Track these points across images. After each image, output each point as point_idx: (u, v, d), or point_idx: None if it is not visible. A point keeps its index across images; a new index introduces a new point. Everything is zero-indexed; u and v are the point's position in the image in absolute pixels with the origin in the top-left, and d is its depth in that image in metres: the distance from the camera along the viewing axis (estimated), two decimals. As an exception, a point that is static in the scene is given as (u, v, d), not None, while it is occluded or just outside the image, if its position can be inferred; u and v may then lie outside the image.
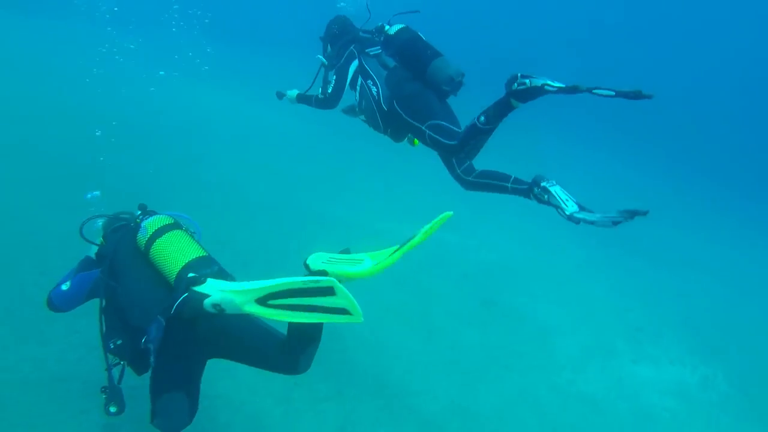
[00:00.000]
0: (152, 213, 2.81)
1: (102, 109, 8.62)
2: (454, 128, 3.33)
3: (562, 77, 2.65)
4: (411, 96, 3.49)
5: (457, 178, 3.40)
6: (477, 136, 3.01)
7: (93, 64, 9.93)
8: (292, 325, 2.32)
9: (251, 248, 6.35)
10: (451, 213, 2.22)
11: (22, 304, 4.36)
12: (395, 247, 2.22)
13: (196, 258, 2.38)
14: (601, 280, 7.92)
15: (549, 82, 2.56)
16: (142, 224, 2.60)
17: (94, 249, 2.90)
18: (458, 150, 3.20)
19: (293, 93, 4.20)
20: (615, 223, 2.43)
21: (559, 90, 2.55)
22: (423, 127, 3.39)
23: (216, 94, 12.35)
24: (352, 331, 5.33)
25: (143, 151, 8.03)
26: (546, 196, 2.78)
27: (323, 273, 2.11)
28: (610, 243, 8.80)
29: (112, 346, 2.44)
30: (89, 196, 3.56)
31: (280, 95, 4.31)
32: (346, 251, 2.32)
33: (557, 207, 2.72)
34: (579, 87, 2.47)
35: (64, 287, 2.76)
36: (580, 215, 2.59)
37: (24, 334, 4.16)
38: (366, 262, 2.16)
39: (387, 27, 3.76)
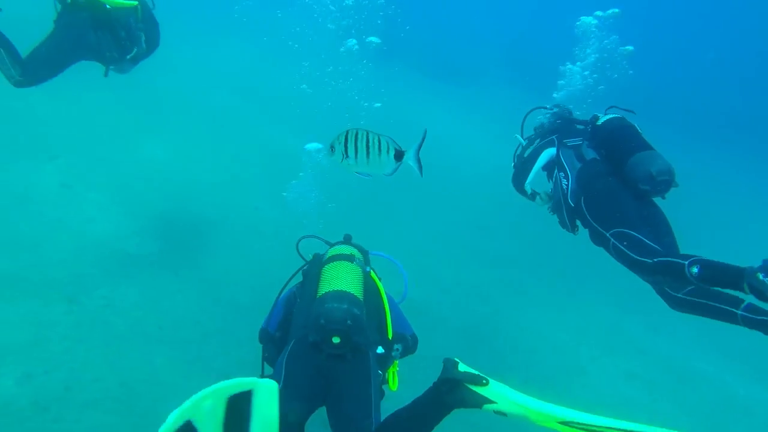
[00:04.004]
0: (350, 244, 3.09)
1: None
2: (650, 243, 2.88)
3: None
4: (600, 194, 3.25)
5: (661, 292, 3.01)
6: (676, 279, 2.67)
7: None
8: None
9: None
10: None
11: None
12: None
13: (335, 291, 2.51)
14: None
15: None
16: (330, 248, 3.01)
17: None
18: (648, 272, 2.83)
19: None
20: None
21: None
22: (607, 234, 3.07)
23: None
24: None
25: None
26: None
27: None
28: None
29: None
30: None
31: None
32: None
33: None
34: None
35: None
36: None
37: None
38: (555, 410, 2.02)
39: (600, 116, 3.64)
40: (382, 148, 2.65)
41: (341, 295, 2.50)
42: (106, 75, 4.34)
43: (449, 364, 2.29)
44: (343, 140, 2.67)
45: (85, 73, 4.27)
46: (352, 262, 2.80)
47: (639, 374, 6.11)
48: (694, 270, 2.55)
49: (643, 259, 2.84)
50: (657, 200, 3.34)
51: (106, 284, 4.86)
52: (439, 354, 5.38)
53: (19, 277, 4.56)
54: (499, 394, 2.15)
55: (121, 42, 3.94)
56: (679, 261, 2.66)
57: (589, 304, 7.12)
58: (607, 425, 1.89)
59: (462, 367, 2.26)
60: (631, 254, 2.90)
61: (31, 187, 5.86)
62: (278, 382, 2.42)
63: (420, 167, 2.68)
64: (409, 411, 2.29)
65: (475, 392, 2.16)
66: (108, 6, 3.59)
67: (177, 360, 4.31)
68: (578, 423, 1.95)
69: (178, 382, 4.11)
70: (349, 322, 2.36)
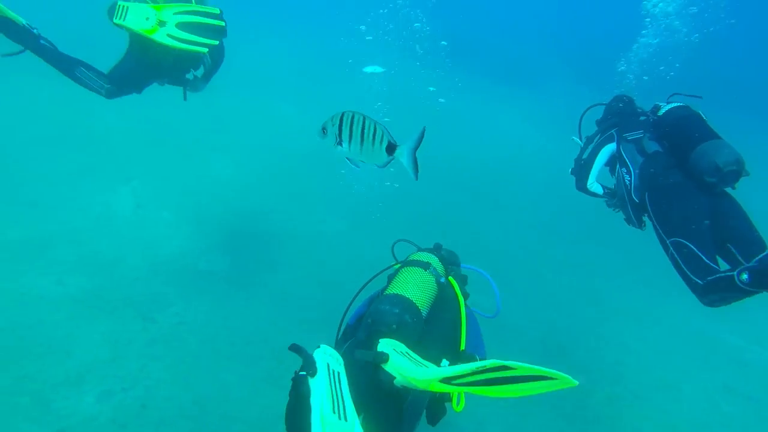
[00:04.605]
0: (434, 253, 2.96)
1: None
2: (706, 259, 2.75)
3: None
4: (665, 189, 3.11)
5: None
6: (731, 292, 2.53)
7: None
8: None
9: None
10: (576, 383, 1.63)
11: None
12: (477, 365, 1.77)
13: (393, 294, 2.45)
14: None
15: None
16: (413, 255, 2.90)
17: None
18: (698, 293, 2.75)
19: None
20: None
21: None
22: (667, 241, 2.96)
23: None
24: None
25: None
26: None
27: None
28: None
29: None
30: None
31: None
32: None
33: None
34: None
35: None
36: None
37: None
38: (431, 371, 1.91)
39: (662, 105, 3.49)
40: (376, 136, 2.44)
41: (396, 299, 2.44)
42: (185, 98, 4.43)
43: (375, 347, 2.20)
44: (338, 122, 2.44)
45: (157, 95, 4.39)
46: (426, 270, 2.73)
47: (740, 390, 5.56)
48: (744, 277, 2.47)
49: (695, 278, 2.78)
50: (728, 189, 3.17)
51: (179, 302, 4.96)
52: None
53: (98, 296, 4.73)
54: (396, 366, 2.04)
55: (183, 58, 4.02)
56: (727, 274, 2.58)
57: (679, 312, 6.57)
58: (480, 366, 1.79)
59: (380, 347, 2.13)
60: (685, 269, 2.85)
61: (109, 208, 6.13)
62: None
63: (415, 168, 2.46)
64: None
65: (384, 371, 2.07)
66: (175, 48, 3.62)
67: (248, 377, 4.31)
68: (456, 375, 1.86)
69: (249, 399, 4.10)
70: (394, 326, 2.30)
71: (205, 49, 3.70)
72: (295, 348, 1.87)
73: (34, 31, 3.53)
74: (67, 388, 3.85)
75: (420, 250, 3.09)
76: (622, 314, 6.51)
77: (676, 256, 2.92)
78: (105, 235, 5.62)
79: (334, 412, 1.72)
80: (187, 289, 5.14)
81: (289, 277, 5.76)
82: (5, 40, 3.46)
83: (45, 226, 5.49)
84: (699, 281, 2.75)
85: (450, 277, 2.86)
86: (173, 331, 4.59)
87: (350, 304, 2.88)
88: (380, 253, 3.37)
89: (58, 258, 5.10)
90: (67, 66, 3.65)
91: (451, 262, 3.05)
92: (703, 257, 2.80)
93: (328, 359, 1.91)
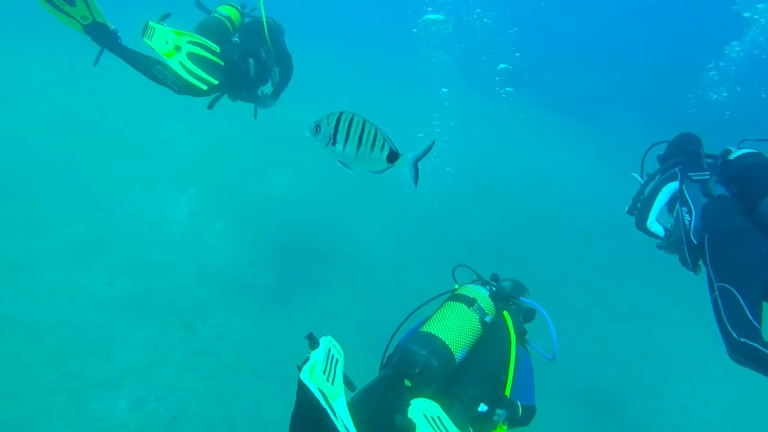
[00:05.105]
0: (483, 284, 2.86)
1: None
2: (751, 317, 2.60)
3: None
4: (728, 234, 2.96)
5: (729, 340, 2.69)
6: (764, 367, 2.45)
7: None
8: None
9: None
10: None
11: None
12: None
13: (426, 333, 2.38)
14: None
15: None
16: (462, 288, 2.77)
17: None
18: (730, 347, 2.61)
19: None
20: None
21: None
22: (715, 284, 2.81)
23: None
24: None
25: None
26: None
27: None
28: None
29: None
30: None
31: None
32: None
33: None
34: None
35: None
36: None
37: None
38: None
39: (732, 150, 3.35)
40: (377, 142, 2.26)
41: (427, 340, 2.35)
42: (255, 116, 4.53)
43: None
44: (334, 122, 2.26)
45: (225, 108, 4.46)
46: (470, 307, 2.60)
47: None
48: None
49: (731, 330, 2.63)
50: None
51: (222, 313, 4.96)
52: (561, 419, 4.83)
53: (144, 301, 4.79)
54: None
55: (254, 70, 4.11)
56: (765, 351, 2.47)
57: (752, 376, 6.03)
58: None
59: (410, 411, 1.96)
60: (725, 318, 2.69)
61: (165, 214, 6.26)
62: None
63: (416, 177, 2.31)
64: None
65: None
66: (181, 76, 3.75)
67: (281, 398, 4.20)
68: None
69: (281, 423, 3.98)
70: (417, 370, 2.22)
71: (204, 86, 3.79)
72: (309, 336, 1.96)
73: (118, 33, 3.73)
74: (104, 390, 3.88)
75: (475, 280, 2.96)
76: (683, 370, 6.04)
77: (719, 301, 2.77)
78: (158, 240, 5.73)
79: (324, 374, 1.83)
80: (230, 302, 5.13)
81: (333, 299, 5.68)
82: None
83: (103, 228, 5.65)
84: (735, 335, 2.61)
85: (505, 312, 2.68)
86: (212, 344, 4.57)
87: (398, 328, 2.78)
88: (426, 278, 3.24)
89: (111, 259, 5.23)
90: (146, 65, 3.83)
91: (510, 296, 2.90)
92: (748, 312, 2.64)
93: (330, 346, 2.00)
